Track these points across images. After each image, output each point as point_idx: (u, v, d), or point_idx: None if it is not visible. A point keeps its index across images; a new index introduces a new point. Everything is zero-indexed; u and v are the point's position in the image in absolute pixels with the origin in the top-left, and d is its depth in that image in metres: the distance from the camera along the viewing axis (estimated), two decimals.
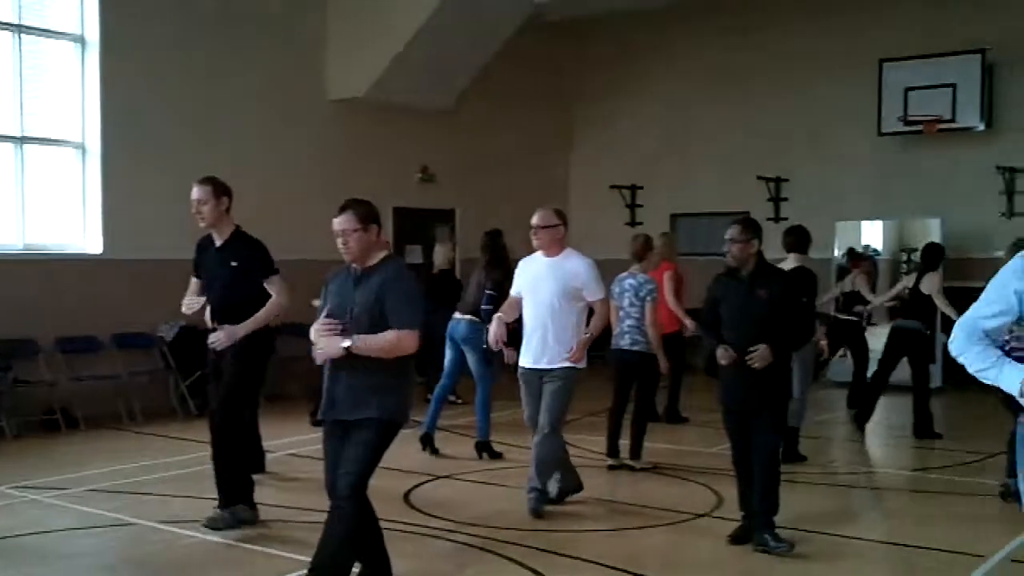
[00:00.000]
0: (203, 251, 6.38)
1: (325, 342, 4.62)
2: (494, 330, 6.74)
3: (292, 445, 8.85)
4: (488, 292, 8.23)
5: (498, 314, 6.84)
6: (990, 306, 3.53)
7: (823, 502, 7.16)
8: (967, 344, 3.55)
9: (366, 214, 4.68)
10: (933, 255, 9.97)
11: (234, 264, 6.16)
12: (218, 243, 6.26)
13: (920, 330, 9.60)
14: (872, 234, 14.00)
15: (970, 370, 3.54)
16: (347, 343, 4.56)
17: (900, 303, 10.01)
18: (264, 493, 6.65)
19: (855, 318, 10.99)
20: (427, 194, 14.42)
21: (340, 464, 4.65)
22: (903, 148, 13.95)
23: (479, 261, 8.62)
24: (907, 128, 13.56)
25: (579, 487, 6.89)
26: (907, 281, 10.01)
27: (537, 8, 13.74)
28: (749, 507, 6.06)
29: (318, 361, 4.72)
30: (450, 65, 13.62)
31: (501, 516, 6.64)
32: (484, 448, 8.51)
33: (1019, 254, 3.53)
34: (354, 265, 4.75)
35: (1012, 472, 6.85)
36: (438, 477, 7.83)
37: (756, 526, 5.93)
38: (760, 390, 5.90)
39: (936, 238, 13.11)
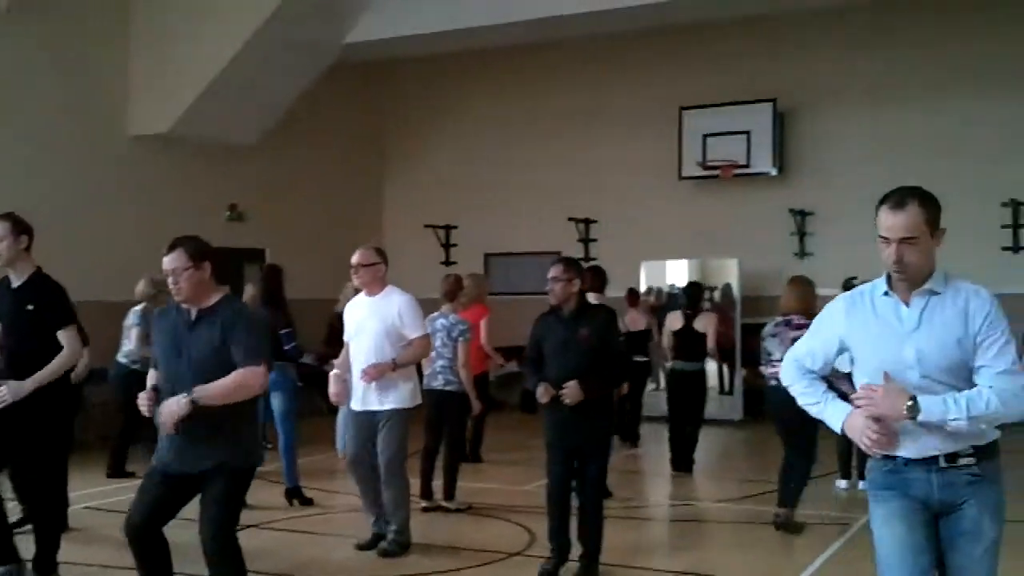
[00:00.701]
0: None
1: (165, 409, 4.33)
2: (334, 388, 6.77)
3: (88, 498, 8.37)
4: (284, 332, 8.06)
5: (335, 371, 6.83)
6: (809, 342, 3.67)
7: (630, 535, 7.31)
8: (797, 376, 3.65)
9: (197, 251, 4.46)
10: (697, 294, 10.13)
11: (30, 308, 5.74)
12: (15, 284, 5.84)
13: (699, 371, 9.66)
14: (677, 273, 14.54)
15: (799, 402, 3.64)
16: (189, 398, 4.27)
17: (675, 343, 9.66)
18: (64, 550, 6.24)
19: (642, 358, 10.71)
20: (236, 233, 14.06)
21: (199, 524, 4.41)
22: (703, 192, 14.60)
23: (256, 300, 8.40)
24: (706, 173, 14.19)
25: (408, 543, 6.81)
26: (672, 321, 9.76)
27: (347, 48, 13.69)
28: (559, 543, 6.14)
29: (165, 431, 4.40)
30: (259, 101, 13.40)
31: (312, 565, 6.47)
32: (294, 495, 8.29)
33: (841, 295, 3.65)
34: (185, 306, 4.51)
35: (784, 502, 7.27)
36: (246, 527, 7.54)
37: (583, 562, 6.03)
38: (585, 427, 5.98)
39: (734, 277, 13.80)
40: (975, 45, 13.12)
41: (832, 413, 3.50)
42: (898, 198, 3.35)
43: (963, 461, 3.35)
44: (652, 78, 14.91)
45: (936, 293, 3.39)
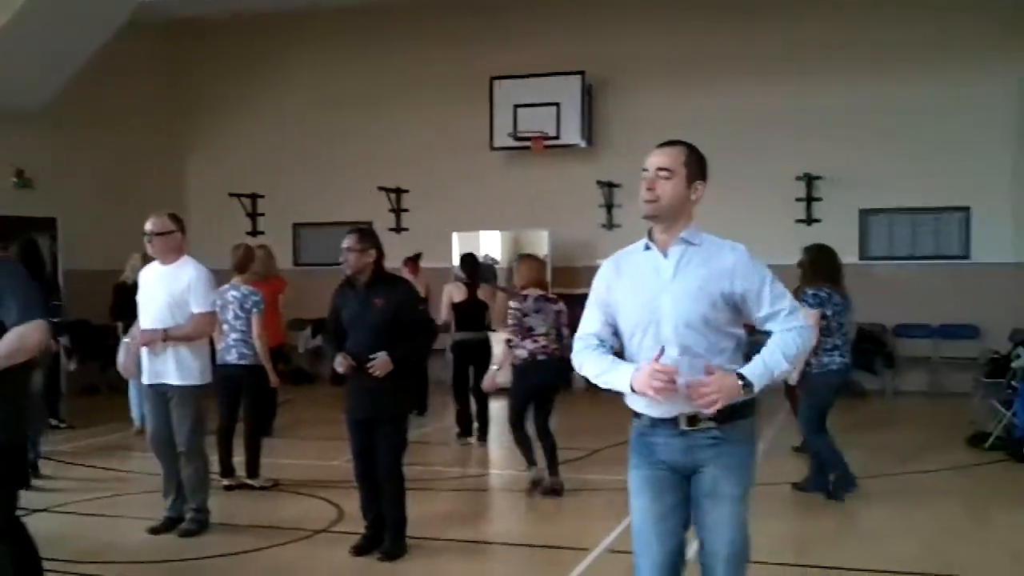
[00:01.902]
0: None
1: None
2: (121, 359, 6.56)
3: None
4: (55, 304, 7.74)
5: (125, 341, 6.60)
6: (590, 312, 3.67)
7: (432, 506, 7.27)
8: (582, 356, 3.64)
9: None
10: (473, 264, 10.23)
11: None
12: None
13: (484, 339, 9.76)
14: (490, 244, 14.58)
15: (592, 379, 3.62)
16: None
17: (457, 314, 9.71)
18: None
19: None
20: (24, 201, 13.19)
21: None
22: (514, 162, 14.66)
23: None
24: (517, 144, 14.25)
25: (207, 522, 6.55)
26: (454, 293, 9.82)
27: (144, 6, 12.96)
28: (372, 517, 6.05)
29: None
30: (45, 62, 12.51)
31: (108, 551, 6.14)
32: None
33: (607, 260, 3.68)
34: None
35: (553, 469, 7.47)
36: (35, 510, 7.09)
37: (388, 536, 5.96)
38: (382, 399, 5.88)
39: (545, 248, 13.94)
40: (778, 28, 13.64)
41: (619, 377, 3.50)
42: (666, 141, 3.58)
43: (704, 424, 3.45)
44: (464, 48, 14.83)
45: (692, 244, 3.51)
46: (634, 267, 3.56)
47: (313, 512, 7.07)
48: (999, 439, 9.23)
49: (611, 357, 3.57)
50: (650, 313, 3.44)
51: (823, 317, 7.18)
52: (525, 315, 7.54)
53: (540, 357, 7.50)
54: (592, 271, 3.83)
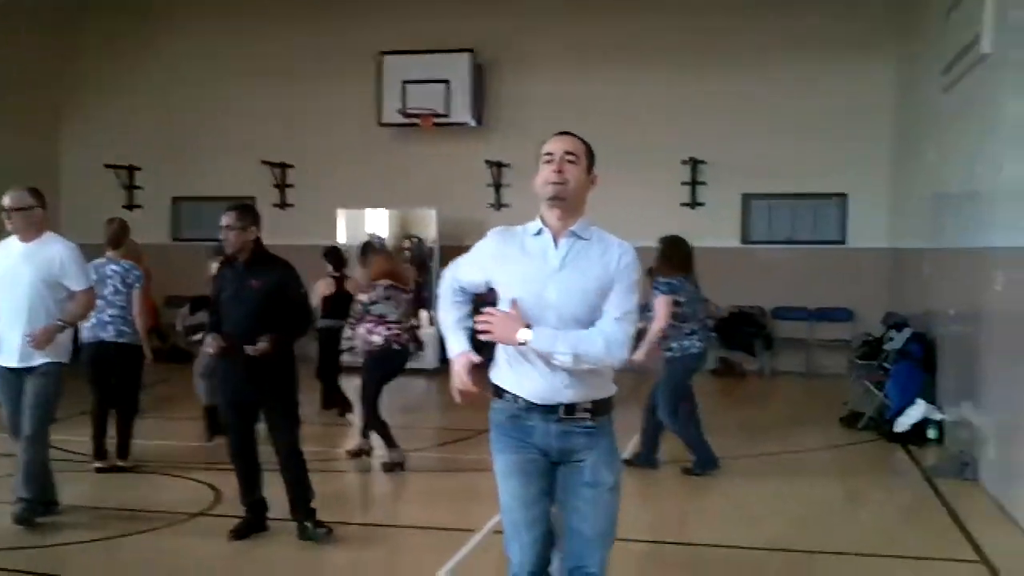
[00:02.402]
0: None
1: None
2: None
3: None
4: None
5: None
6: (466, 260, 3.72)
7: (321, 489, 7.13)
8: (445, 292, 3.75)
9: None
10: (339, 258, 10.15)
11: None
12: None
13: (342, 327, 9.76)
14: (377, 222, 14.39)
15: (439, 315, 3.74)
16: None
17: (326, 304, 9.79)
18: None
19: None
20: None
21: None
22: (402, 140, 14.49)
23: None
24: (406, 121, 14.07)
25: (54, 504, 6.26)
26: (323, 287, 9.85)
27: None
28: (252, 501, 5.91)
29: None
30: None
31: None
32: None
33: (496, 230, 3.67)
34: None
35: (391, 442, 7.52)
36: None
37: (298, 518, 5.87)
38: (263, 382, 5.73)
39: (433, 228, 13.84)
40: (665, 15, 13.75)
41: (451, 345, 3.65)
42: (564, 131, 3.60)
43: (580, 413, 3.49)
44: (351, 21, 14.56)
45: (582, 239, 3.51)
46: (523, 249, 3.54)
47: (190, 495, 6.86)
48: (872, 419, 9.54)
49: (461, 314, 3.71)
50: (533, 300, 3.44)
51: (676, 304, 7.45)
52: (374, 303, 7.65)
53: (395, 346, 7.64)
54: None
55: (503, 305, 3.51)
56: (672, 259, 7.62)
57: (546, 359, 3.39)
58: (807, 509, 6.77)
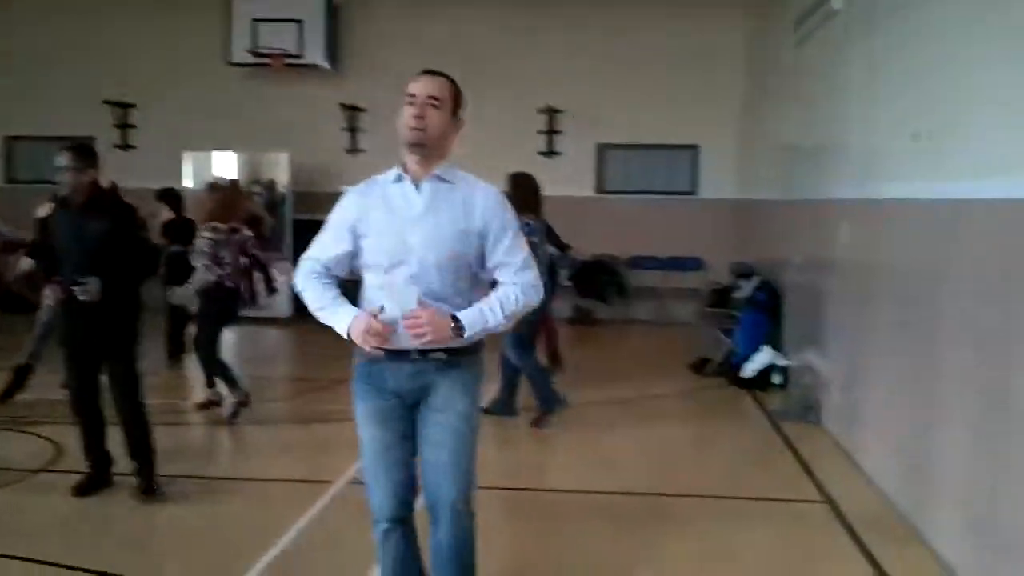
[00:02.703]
0: None
1: None
2: None
3: None
4: None
5: None
6: (322, 238, 3.53)
7: (167, 441, 6.90)
8: (307, 279, 3.51)
9: None
10: (176, 198, 9.99)
11: None
12: None
13: None
14: (225, 165, 13.88)
15: (311, 310, 3.50)
16: None
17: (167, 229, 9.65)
18: None
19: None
20: None
21: None
22: (253, 81, 13.98)
23: None
24: (257, 61, 13.58)
25: None
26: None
27: None
28: (95, 456, 5.67)
29: None
30: None
31: None
32: None
33: (353, 187, 3.53)
34: None
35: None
36: None
37: (138, 472, 5.65)
38: (102, 330, 5.47)
39: (285, 172, 13.47)
40: None
41: (338, 320, 3.42)
42: (431, 70, 3.45)
43: (434, 355, 3.43)
44: None
45: (446, 182, 3.43)
46: (384, 198, 3.43)
47: (28, 450, 6.53)
48: (720, 365, 9.81)
49: (333, 293, 3.49)
50: (398, 249, 3.35)
51: (532, 246, 7.40)
52: (210, 242, 7.49)
53: (228, 284, 7.51)
54: (334, 197, 3.66)
55: (368, 261, 3.41)
56: (523, 199, 7.49)
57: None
58: (660, 454, 6.93)
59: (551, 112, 13.76)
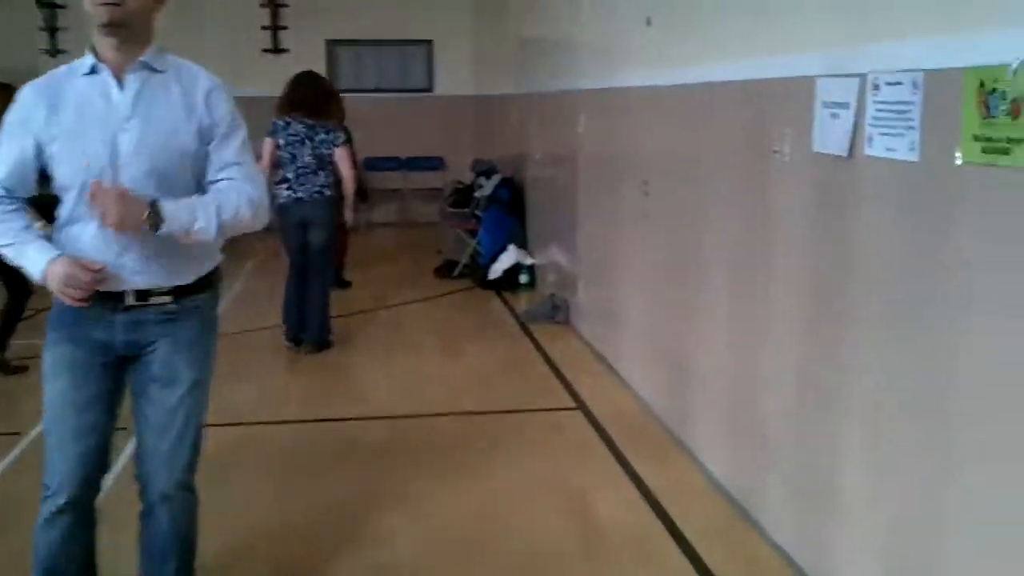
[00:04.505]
0: None
1: None
2: None
3: None
4: None
5: None
6: (4, 155, 2.75)
7: None
8: None
9: None
10: None
11: None
12: None
13: None
14: None
15: None
16: None
17: None
18: None
19: None
20: None
21: None
22: None
23: None
24: None
25: None
26: None
27: None
28: None
29: None
30: None
31: None
32: None
33: (31, 82, 2.79)
34: None
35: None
36: None
37: None
38: None
39: None
40: None
41: (30, 261, 2.71)
42: None
43: (155, 300, 2.80)
44: None
45: (156, 71, 2.75)
46: (75, 97, 2.70)
47: None
48: (466, 267, 9.52)
49: (21, 223, 2.74)
50: (101, 160, 2.65)
51: (277, 147, 6.81)
52: None
53: None
54: None
55: (58, 176, 2.70)
56: (284, 96, 6.93)
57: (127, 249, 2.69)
58: (405, 371, 6.51)
59: (275, 5, 12.82)
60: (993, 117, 2.47)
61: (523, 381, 6.24)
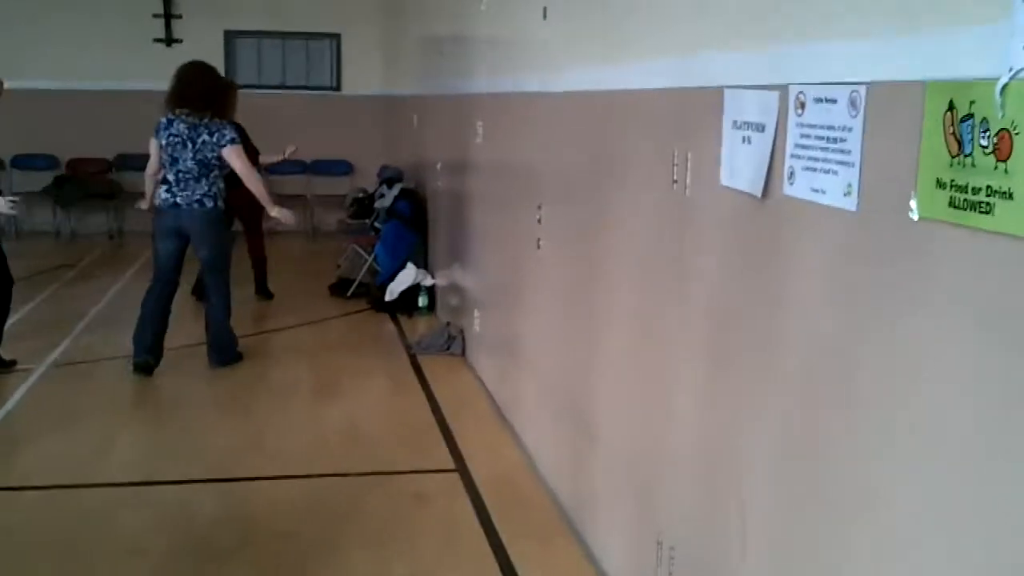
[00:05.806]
0: None
1: None
2: None
3: None
4: None
5: None
6: None
7: None
8: None
9: None
10: None
11: None
12: None
13: None
14: None
15: None
16: None
17: None
18: None
19: None
20: None
21: None
22: None
23: None
24: None
25: None
26: None
27: None
28: None
29: None
30: None
31: None
32: None
33: None
34: None
35: None
36: None
37: None
38: None
39: None
40: None
41: None
42: None
43: None
44: None
45: None
46: None
47: None
48: (362, 285, 8.63)
49: None
50: None
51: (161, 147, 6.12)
52: None
53: None
54: None
55: None
56: (171, 91, 6.24)
57: None
58: (261, 422, 5.46)
59: None
60: (967, 155, 1.67)
61: (399, 432, 5.34)
